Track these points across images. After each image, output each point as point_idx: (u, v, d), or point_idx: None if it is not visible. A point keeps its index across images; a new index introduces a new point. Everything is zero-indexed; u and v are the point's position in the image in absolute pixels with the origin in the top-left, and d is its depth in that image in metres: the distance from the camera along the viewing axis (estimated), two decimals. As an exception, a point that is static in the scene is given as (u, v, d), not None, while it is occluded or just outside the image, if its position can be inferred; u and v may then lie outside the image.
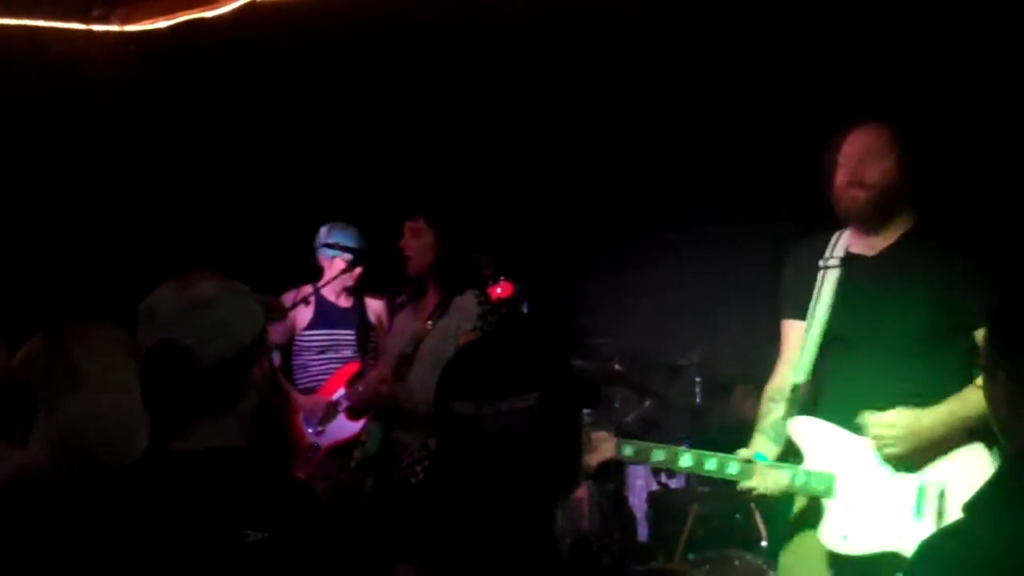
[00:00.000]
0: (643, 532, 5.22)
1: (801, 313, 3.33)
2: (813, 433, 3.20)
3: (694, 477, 5.01)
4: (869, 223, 3.24)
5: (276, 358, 5.35)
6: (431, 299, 4.36)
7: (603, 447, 3.23)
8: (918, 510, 3.04)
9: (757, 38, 5.24)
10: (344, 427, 5.19)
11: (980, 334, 2.87)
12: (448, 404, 1.74)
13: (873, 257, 3.26)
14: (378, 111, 5.95)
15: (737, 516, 4.58)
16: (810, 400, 3.26)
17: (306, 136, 5.94)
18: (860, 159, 3.17)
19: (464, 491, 1.75)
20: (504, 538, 1.75)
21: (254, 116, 5.73)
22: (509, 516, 1.74)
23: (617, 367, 5.51)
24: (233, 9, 4.86)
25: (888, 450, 3.05)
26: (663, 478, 4.96)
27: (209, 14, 4.91)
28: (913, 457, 3.05)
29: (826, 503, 3.13)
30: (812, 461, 3.17)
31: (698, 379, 5.33)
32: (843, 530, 3.09)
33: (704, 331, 5.60)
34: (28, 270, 4.76)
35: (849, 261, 3.29)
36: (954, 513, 2.87)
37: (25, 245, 4.86)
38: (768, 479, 3.15)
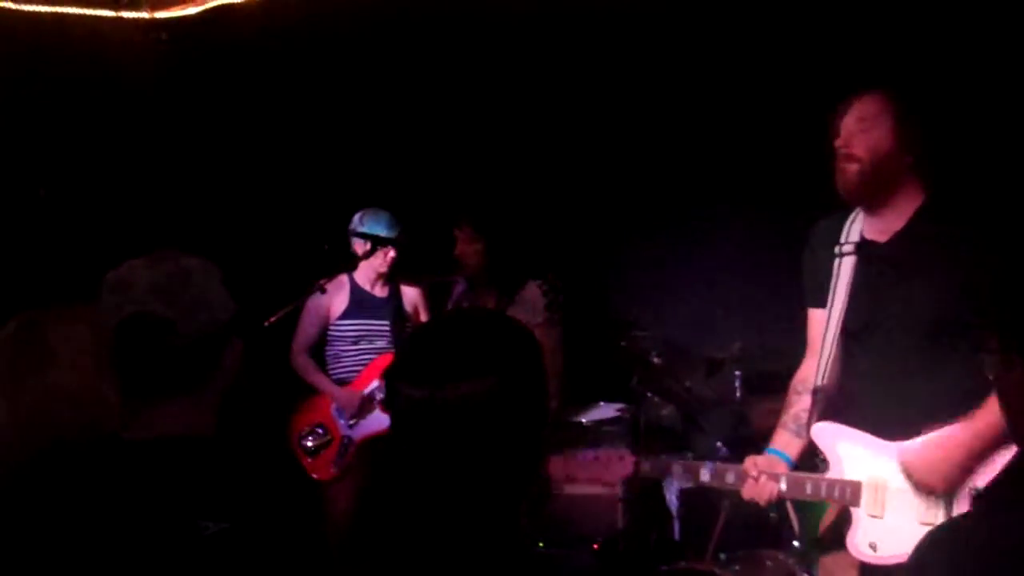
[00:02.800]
0: (680, 530, 5.08)
1: (821, 301, 3.18)
2: (836, 439, 3.04)
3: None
4: (864, 199, 3.04)
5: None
6: (488, 300, 4.43)
7: (620, 465, 3.12)
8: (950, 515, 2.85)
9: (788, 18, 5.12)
10: (379, 420, 5.12)
11: None
12: (399, 389, 1.64)
13: (886, 243, 3.06)
14: (411, 97, 5.89)
15: (772, 515, 4.41)
16: (833, 401, 3.10)
17: (339, 122, 5.88)
18: (851, 131, 2.97)
19: (419, 481, 1.65)
20: (463, 531, 1.64)
21: (284, 103, 5.68)
22: (467, 507, 1.64)
23: (655, 360, 5.39)
24: (263, -7, 4.83)
25: (922, 483, 2.86)
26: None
27: (238, -1, 4.87)
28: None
29: (853, 512, 2.97)
30: (836, 468, 3.02)
31: (737, 373, 5.18)
32: (871, 539, 2.93)
33: (745, 325, 5.45)
34: (41, 253, 4.75)
35: (863, 247, 3.09)
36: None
37: (41, 228, 4.85)
38: (763, 490, 3.03)
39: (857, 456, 2.99)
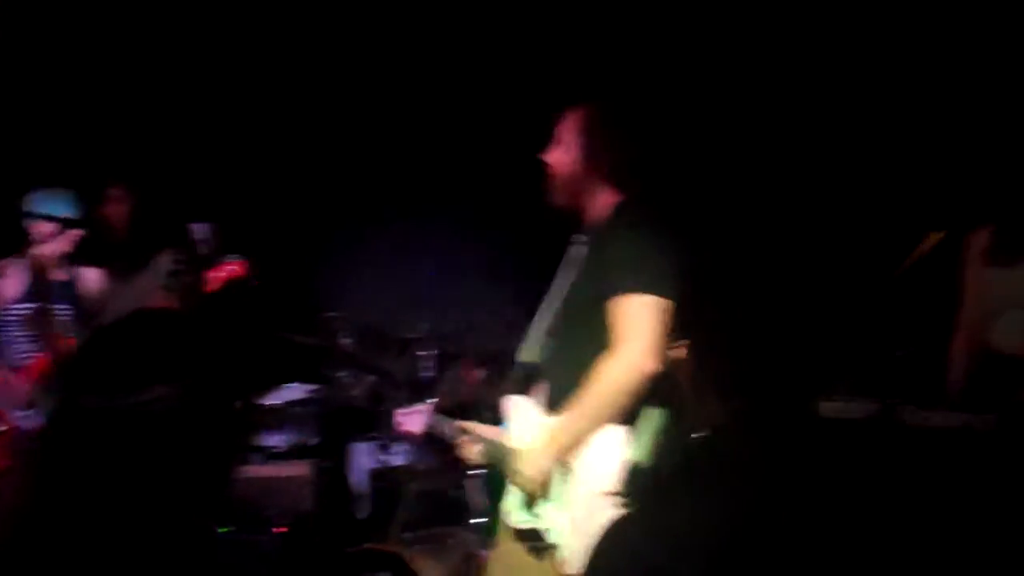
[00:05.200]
0: (368, 510, 5.17)
1: None
2: (512, 409, 3.19)
3: (415, 454, 5.00)
4: (561, 203, 3.20)
5: None
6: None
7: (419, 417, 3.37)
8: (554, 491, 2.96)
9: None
10: (53, 410, 4.90)
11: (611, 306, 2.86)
12: (76, 400, 1.60)
13: (585, 243, 3.21)
14: (104, 69, 5.68)
15: (451, 493, 4.57)
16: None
17: (33, 93, 5.59)
18: (552, 144, 3.20)
19: (100, 486, 1.63)
20: (151, 530, 1.64)
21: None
22: (153, 511, 1.64)
23: (346, 341, 5.43)
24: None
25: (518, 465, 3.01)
26: (383, 455, 4.91)
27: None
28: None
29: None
30: (508, 436, 3.16)
31: (425, 352, 5.32)
32: (513, 503, 3.07)
33: (433, 305, 5.59)
34: None
35: (573, 243, 3.26)
36: (580, 491, 2.85)
37: None
38: (470, 449, 3.26)
39: (519, 424, 3.14)
